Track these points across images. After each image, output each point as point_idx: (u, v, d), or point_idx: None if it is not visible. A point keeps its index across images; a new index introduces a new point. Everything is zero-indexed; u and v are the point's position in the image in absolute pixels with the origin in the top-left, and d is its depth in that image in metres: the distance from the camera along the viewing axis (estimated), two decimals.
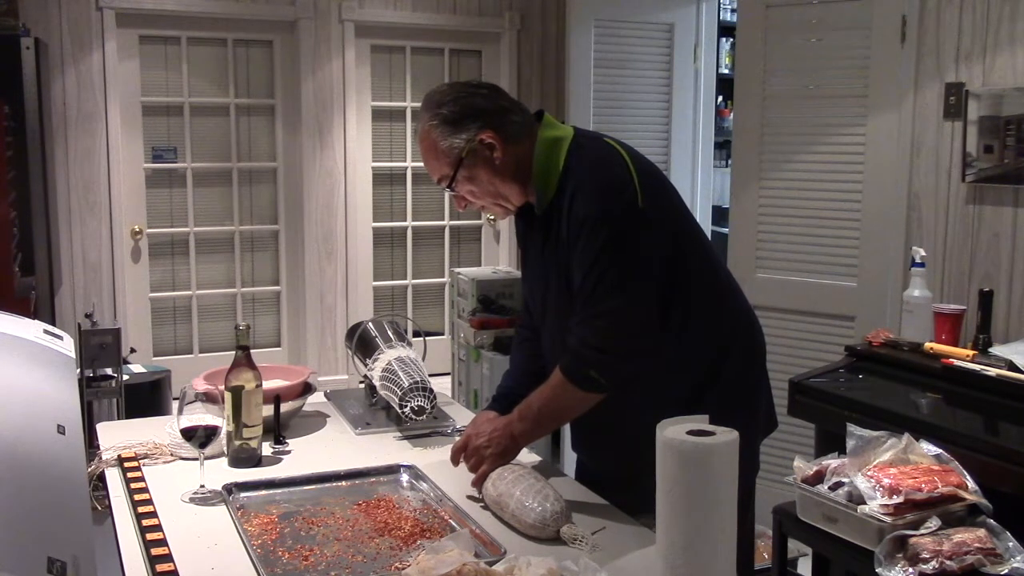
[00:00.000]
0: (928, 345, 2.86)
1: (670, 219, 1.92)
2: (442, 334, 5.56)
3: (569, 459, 2.90)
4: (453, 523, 1.77)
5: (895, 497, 1.69)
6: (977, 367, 2.62)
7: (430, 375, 2.28)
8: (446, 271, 5.79)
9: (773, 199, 3.78)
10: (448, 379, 4.22)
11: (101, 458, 2.08)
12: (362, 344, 2.52)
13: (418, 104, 2.44)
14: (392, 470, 2.03)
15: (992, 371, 2.58)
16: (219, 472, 1.99)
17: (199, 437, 1.88)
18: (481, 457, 1.92)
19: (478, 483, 1.90)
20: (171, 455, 2.09)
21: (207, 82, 5.24)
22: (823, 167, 3.64)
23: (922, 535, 1.65)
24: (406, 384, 2.21)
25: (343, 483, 1.97)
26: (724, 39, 6.10)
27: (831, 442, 2.37)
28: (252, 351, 2.09)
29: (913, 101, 3.37)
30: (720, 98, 5.89)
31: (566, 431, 3.21)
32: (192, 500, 1.86)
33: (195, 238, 5.29)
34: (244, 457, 2.05)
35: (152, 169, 5.16)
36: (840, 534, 1.80)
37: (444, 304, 5.81)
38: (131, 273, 5.11)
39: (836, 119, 3.59)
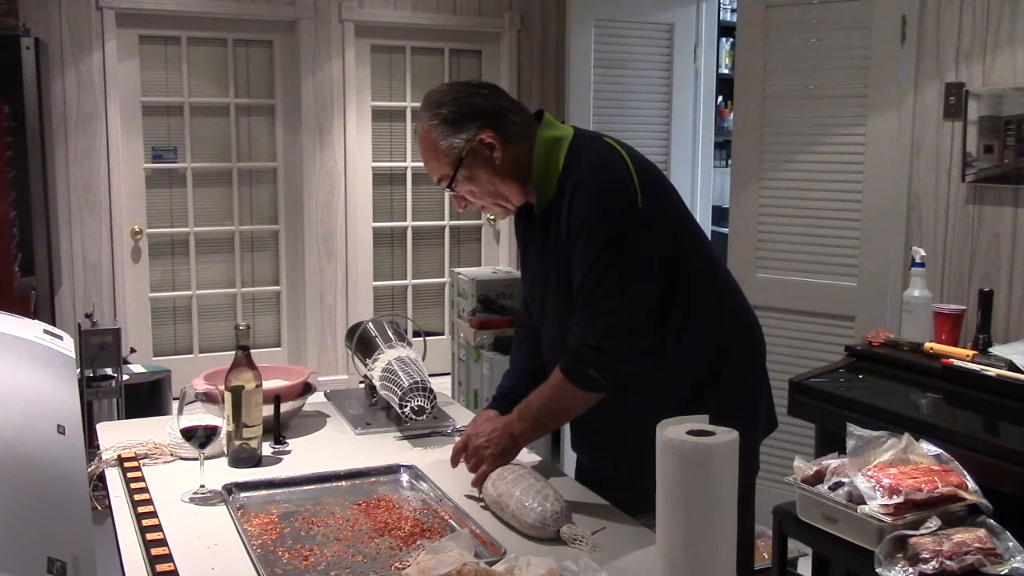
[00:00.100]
0: (928, 345, 2.86)
1: (670, 219, 1.92)
2: (442, 334, 5.56)
3: (569, 459, 2.90)
4: (453, 523, 1.77)
5: (895, 497, 1.69)
6: (977, 367, 2.62)
7: (430, 375, 2.28)
8: (446, 271, 5.79)
9: (773, 199, 3.78)
10: (448, 379, 4.22)
11: (101, 458, 2.08)
12: (362, 344, 2.52)
13: (418, 104, 2.44)
14: (392, 470, 2.03)
15: (992, 371, 2.58)
16: (219, 472, 1.99)
17: (199, 437, 1.88)
18: (481, 457, 1.92)
19: (478, 483, 1.90)
20: (171, 455, 2.09)
21: (207, 82, 5.24)
22: (823, 167, 3.64)
23: (922, 535, 1.65)
24: (406, 384, 2.21)
25: (343, 483, 1.97)
26: (724, 39, 6.10)
27: (831, 442, 2.37)
28: (252, 351, 2.09)
29: (913, 101, 3.37)
30: (720, 98, 5.89)
31: (566, 431, 3.21)
32: (192, 500, 1.86)
33: (195, 238, 5.29)
34: (244, 457, 2.05)
35: (152, 169, 5.16)
36: (840, 534, 1.80)
37: (444, 304, 5.81)
38: (131, 273, 5.11)
39: (836, 119, 3.59)
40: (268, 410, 2.14)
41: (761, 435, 2.08)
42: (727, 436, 1.38)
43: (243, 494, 1.90)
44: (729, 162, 4.62)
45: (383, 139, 5.64)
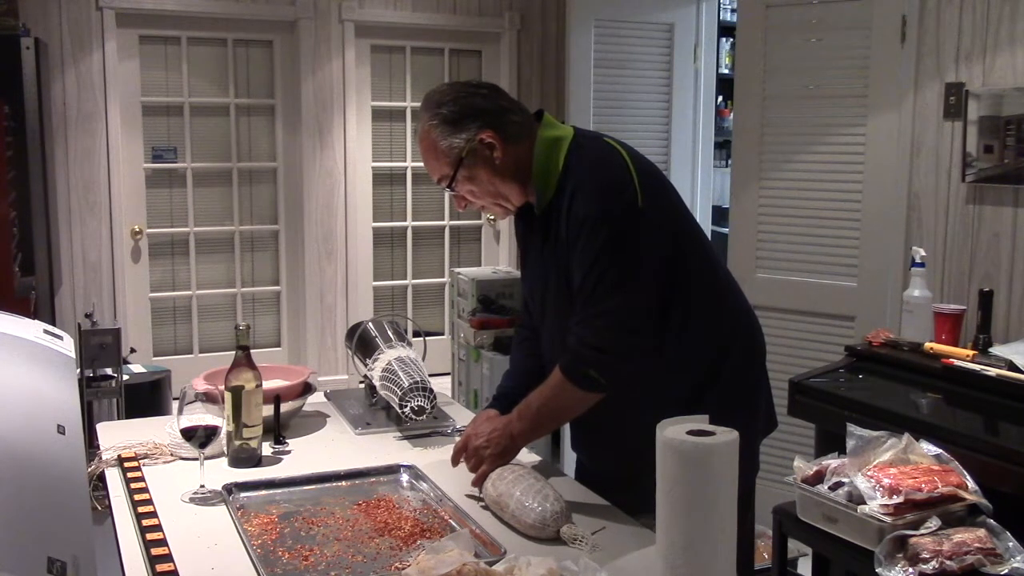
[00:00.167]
0: (928, 345, 2.86)
1: (670, 219, 1.92)
2: (442, 334, 5.56)
3: (569, 459, 2.90)
4: (453, 523, 1.77)
5: (895, 497, 1.69)
6: (977, 367, 2.62)
7: (430, 375, 2.28)
8: (446, 271, 5.79)
9: (773, 199, 3.78)
10: (448, 379, 4.22)
11: (101, 458, 2.08)
12: (362, 344, 2.52)
13: (418, 104, 2.44)
14: (392, 470, 2.03)
15: (992, 371, 2.58)
16: (219, 472, 1.99)
17: (199, 437, 1.88)
18: (481, 457, 1.92)
19: (478, 483, 1.90)
20: (171, 455, 2.09)
21: (207, 82, 5.24)
22: (823, 167, 3.64)
23: (922, 535, 1.65)
24: (406, 384, 2.21)
25: (343, 483, 1.97)
26: (724, 39, 6.10)
27: (831, 442, 2.37)
28: (252, 351, 2.09)
29: (913, 101, 3.37)
30: (720, 98, 5.89)
31: (566, 431, 3.21)
32: (192, 500, 1.86)
33: (195, 238, 5.29)
34: (244, 457, 2.05)
35: (152, 169, 5.16)
36: (840, 534, 1.80)
37: (444, 304, 5.81)
38: (131, 273, 5.11)
39: (836, 119, 3.59)
40: (268, 410, 2.14)
41: (761, 435, 2.08)
42: (727, 436, 1.38)
43: (243, 494, 1.89)
44: (729, 162, 4.62)
45: (383, 139, 5.64)
